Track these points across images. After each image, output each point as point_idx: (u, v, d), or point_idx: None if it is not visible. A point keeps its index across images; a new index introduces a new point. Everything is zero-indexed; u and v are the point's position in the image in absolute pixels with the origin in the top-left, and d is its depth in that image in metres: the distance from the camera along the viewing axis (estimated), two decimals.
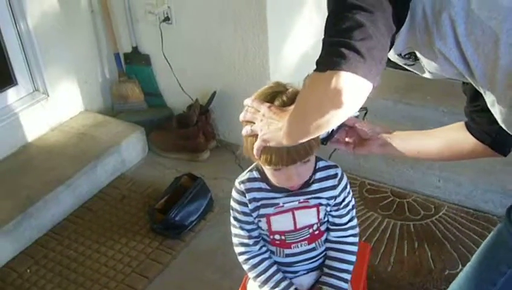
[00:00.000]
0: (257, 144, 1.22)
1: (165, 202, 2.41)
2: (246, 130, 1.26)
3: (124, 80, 3.03)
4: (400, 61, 1.22)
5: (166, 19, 2.74)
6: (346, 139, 1.41)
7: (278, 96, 1.23)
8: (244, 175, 1.42)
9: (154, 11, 2.73)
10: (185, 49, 2.81)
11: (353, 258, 1.46)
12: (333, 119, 0.97)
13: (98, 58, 3.03)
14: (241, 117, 1.29)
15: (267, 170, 1.31)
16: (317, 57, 1.00)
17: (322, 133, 1.08)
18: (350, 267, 1.46)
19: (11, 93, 2.71)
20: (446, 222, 2.31)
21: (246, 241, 1.45)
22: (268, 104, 1.21)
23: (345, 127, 1.39)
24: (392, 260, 2.15)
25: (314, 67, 0.99)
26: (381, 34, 0.98)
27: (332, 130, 1.32)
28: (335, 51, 0.94)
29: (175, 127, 2.83)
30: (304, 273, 1.49)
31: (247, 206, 1.40)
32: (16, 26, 2.62)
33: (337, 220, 1.45)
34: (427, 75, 1.22)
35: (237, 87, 2.72)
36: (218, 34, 2.64)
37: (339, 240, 1.46)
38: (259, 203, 1.39)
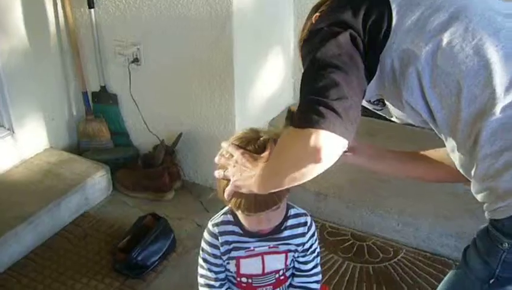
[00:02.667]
0: (228, 189, 1.25)
1: (128, 242, 2.40)
2: (218, 173, 1.30)
3: (90, 119, 3.04)
4: (369, 106, 1.28)
5: (135, 60, 2.79)
6: None
7: (251, 143, 1.26)
8: (218, 217, 1.44)
9: (123, 52, 2.78)
10: (152, 90, 2.85)
11: None
12: (309, 174, 1.03)
13: (66, 95, 3.04)
14: (216, 160, 1.31)
15: (239, 214, 1.34)
16: (296, 112, 1.06)
17: (294, 185, 1.11)
18: None
19: None
20: (404, 265, 2.37)
21: (212, 283, 1.46)
22: (242, 151, 1.24)
23: None
24: None
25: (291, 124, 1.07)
26: (355, 93, 1.05)
27: None
28: (313, 109, 1.00)
29: (140, 167, 2.85)
30: None
31: (219, 249, 1.42)
32: None
33: (302, 266, 1.48)
34: (394, 119, 1.29)
35: (203, 129, 2.77)
36: (186, 77, 2.69)
37: (303, 285, 1.50)
38: (231, 247, 1.41)
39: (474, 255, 1.15)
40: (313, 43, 1.12)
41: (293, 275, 1.50)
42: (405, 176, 1.56)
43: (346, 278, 2.31)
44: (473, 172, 1.12)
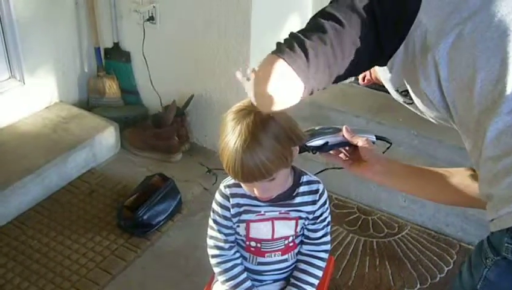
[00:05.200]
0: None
1: (134, 200, 2.40)
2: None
3: (102, 75, 3.02)
4: (399, 99, 1.23)
5: (151, 19, 2.75)
6: (341, 156, 1.35)
7: (253, 114, 1.20)
8: (231, 179, 1.42)
9: (139, 9, 2.74)
10: (166, 50, 2.82)
11: (320, 273, 1.50)
12: (263, 101, 1.05)
13: (78, 50, 3.01)
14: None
15: None
16: None
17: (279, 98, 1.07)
18: (316, 282, 1.49)
19: None
20: (408, 242, 2.37)
21: (221, 244, 1.46)
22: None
23: (346, 146, 1.32)
24: (353, 275, 2.20)
25: None
26: (340, 47, 1.03)
27: (327, 142, 1.29)
28: (289, 42, 1.04)
29: (150, 126, 2.84)
30: (270, 283, 1.52)
31: (229, 211, 1.41)
32: None
33: (311, 234, 1.48)
34: (427, 116, 1.21)
35: (215, 93, 2.75)
36: (201, 39, 2.66)
37: (311, 253, 1.49)
38: (241, 209, 1.41)
39: (466, 264, 1.08)
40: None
41: (301, 243, 1.50)
42: (413, 194, 1.47)
43: (350, 250, 2.31)
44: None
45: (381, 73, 1.22)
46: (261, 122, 1.18)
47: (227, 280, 1.46)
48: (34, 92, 2.83)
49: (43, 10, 2.74)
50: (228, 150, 1.20)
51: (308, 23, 1.10)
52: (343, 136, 1.28)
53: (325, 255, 1.50)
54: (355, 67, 1.11)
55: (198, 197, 2.59)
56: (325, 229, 1.48)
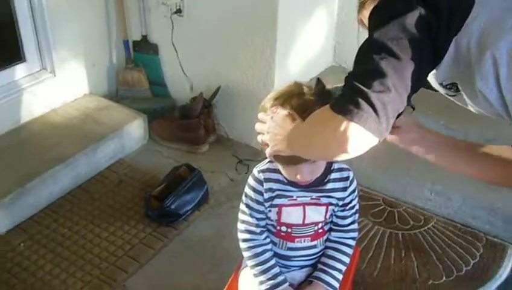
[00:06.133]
0: (268, 151, 1.30)
1: (162, 190, 2.44)
2: (259, 139, 1.35)
3: (130, 67, 3.07)
4: (441, 90, 1.20)
5: (178, 11, 2.79)
6: None
7: (290, 99, 1.29)
8: (264, 165, 1.46)
9: (167, 2, 2.78)
10: (193, 42, 2.85)
11: (347, 260, 1.53)
12: (334, 158, 1.05)
13: (107, 43, 3.06)
14: (256, 128, 1.36)
15: (278, 165, 1.38)
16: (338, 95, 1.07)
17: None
18: (343, 268, 1.52)
19: (19, 70, 2.74)
20: (434, 234, 2.37)
21: (253, 228, 1.49)
22: (270, 116, 1.27)
23: None
24: (378, 266, 2.20)
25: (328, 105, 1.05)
26: (403, 85, 1.00)
27: None
28: (353, 98, 0.99)
29: (177, 118, 2.88)
30: (297, 269, 1.54)
31: (262, 195, 1.45)
32: (30, 4, 2.65)
33: (340, 221, 1.51)
34: (470, 108, 1.18)
35: (241, 84, 2.77)
36: (228, 30, 2.68)
37: (339, 240, 1.52)
38: (274, 194, 1.44)
39: None
40: (377, 17, 1.06)
41: (330, 230, 1.53)
42: (447, 166, 1.35)
43: (376, 241, 2.32)
44: None
45: (430, 79, 1.20)
46: (304, 104, 1.25)
47: (257, 265, 1.49)
48: (64, 83, 2.88)
49: (74, 4, 2.79)
50: None
51: (360, 62, 1.05)
52: None
53: (352, 243, 1.53)
54: (420, 85, 1.08)
55: (224, 188, 2.61)
56: (353, 216, 1.52)
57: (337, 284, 1.49)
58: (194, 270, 2.18)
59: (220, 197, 2.56)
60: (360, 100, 0.98)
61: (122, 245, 2.27)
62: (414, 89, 1.05)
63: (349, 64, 1.96)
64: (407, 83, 1.01)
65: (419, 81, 1.05)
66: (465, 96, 1.14)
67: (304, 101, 1.28)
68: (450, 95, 1.20)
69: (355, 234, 1.53)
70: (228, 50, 2.73)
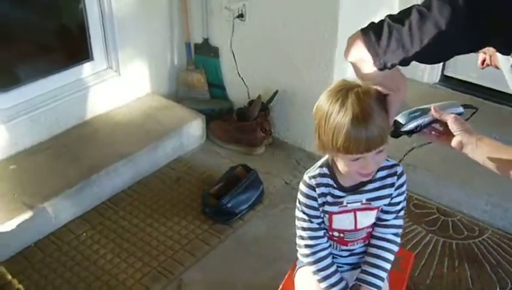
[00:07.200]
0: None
1: (219, 189, 2.51)
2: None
3: (191, 69, 3.16)
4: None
5: (240, 16, 2.86)
6: (433, 133, 1.36)
7: (352, 90, 1.24)
8: (315, 170, 1.45)
9: (230, 6, 2.85)
10: (254, 46, 2.91)
11: (391, 256, 1.49)
12: (351, 60, 1.21)
13: (170, 45, 3.17)
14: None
15: (343, 160, 1.32)
16: None
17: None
18: (387, 266, 1.48)
19: (86, 68, 2.87)
20: (489, 245, 2.35)
21: (316, 234, 1.48)
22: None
23: (437, 123, 1.34)
24: (431, 274, 2.20)
25: None
26: (420, 30, 1.11)
27: (419, 124, 1.33)
28: (377, 22, 1.17)
29: (235, 120, 2.94)
30: (348, 269, 1.56)
31: (317, 201, 1.44)
32: (100, 7, 2.78)
33: (382, 215, 1.49)
34: None
35: (299, 90, 2.82)
36: (288, 36, 2.73)
37: (381, 236, 1.50)
38: (326, 199, 1.44)
39: None
40: None
41: (374, 225, 1.51)
42: (502, 171, 1.27)
43: (429, 250, 2.32)
44: None
45: (503, 62, 1.21)
46: (363, 94, 1.24)
47: (320, 270, 1.49)
48: (128, 83, 3.00)
49: (140, 6, 2.91)
50: (346, 125, 1.22)
51: (411, 7, 1.17)
52: (432, 115, 1.31)
53: (394, 238, 1.50)
54: (443, 50, 1.16)
55: (279, 189, 2.66)
56: (397, 212, 1.48)
57: (381, 284, 1.47)
58: (248, 268, 2.23)
59: (275, 199, 2.60)
60: (377, 23, 1.16)
61: (179, 240, 2.35)
62: (434, 50, 1.14)
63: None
64: (424, 30, 1.11)
65: (441, 42, 1.13)
66: None
67: (364, 89, 1.26)
68: None
69: (397, 230, 1.50)
70: (287, 56, 2.78)
